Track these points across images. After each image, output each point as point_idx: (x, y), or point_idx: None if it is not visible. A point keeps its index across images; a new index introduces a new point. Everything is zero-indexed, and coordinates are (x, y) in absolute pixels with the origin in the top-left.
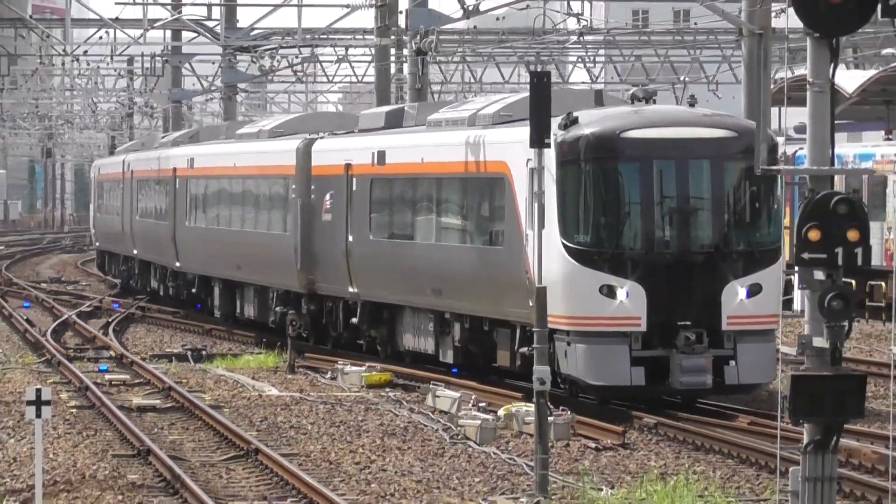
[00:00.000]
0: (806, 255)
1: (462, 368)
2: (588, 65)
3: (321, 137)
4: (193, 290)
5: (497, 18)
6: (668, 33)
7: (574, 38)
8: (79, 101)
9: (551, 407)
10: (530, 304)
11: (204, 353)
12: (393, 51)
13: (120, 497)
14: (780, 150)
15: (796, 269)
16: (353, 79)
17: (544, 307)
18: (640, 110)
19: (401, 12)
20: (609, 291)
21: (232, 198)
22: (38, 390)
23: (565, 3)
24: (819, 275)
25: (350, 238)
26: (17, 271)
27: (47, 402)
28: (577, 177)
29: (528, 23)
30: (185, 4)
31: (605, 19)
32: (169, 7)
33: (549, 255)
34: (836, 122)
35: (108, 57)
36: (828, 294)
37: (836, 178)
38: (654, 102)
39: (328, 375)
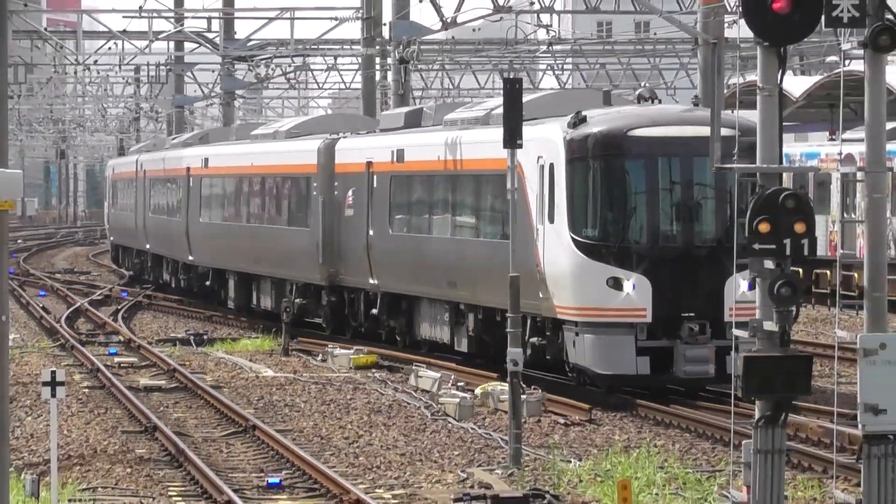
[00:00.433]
0: (757, 246)
1: (476, 357)
2: (556, 72)
3: (344, 137)
4: (207, 283)
5: (473, 30)
6: (629, 43)
7: (544, 47)
8: (90, 107)
9: (524, 386)
10: (541, 296)
11: (205, 337)
12: (378, 60)
13: (129, 470)
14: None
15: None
16: (342, 85)
17: (517, 295)
18: (646, 110)
19: (385, 24)
20: (616, 284)
21: (250, 195)
22: (53, 372)
23: (535, 15)
24: (769, 264)
25: (371, 232)
26: (33, 263)
27: (61, 383)
28: (585, 173)
29: (502, 34)
30: (186, 17)
31: (572, 30)
32: (172, 20)
33: (558, 249)
34: (783, 123)
35: (116, 66)
36: (777, 282)
37: (785, 175)
38: (660, 102)
39: (319, 358)
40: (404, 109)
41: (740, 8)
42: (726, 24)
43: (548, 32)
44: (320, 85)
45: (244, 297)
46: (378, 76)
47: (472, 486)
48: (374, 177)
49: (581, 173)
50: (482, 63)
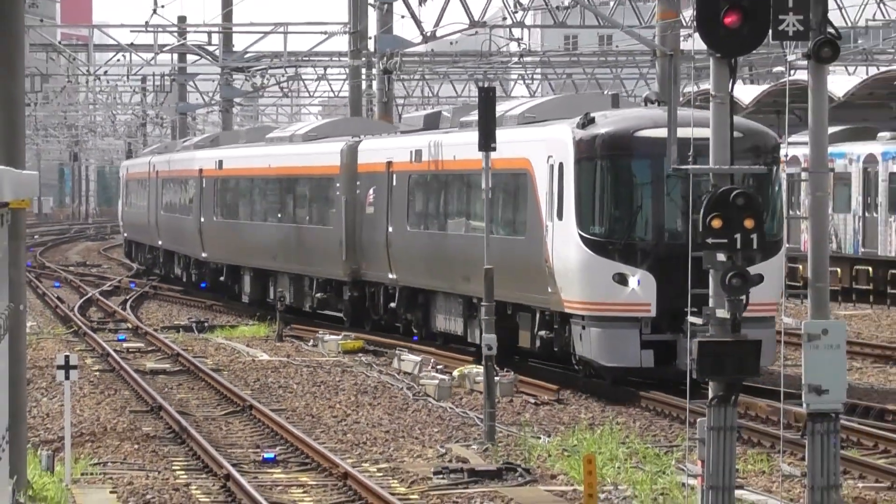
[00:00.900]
0: (710, 241)
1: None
2: (527, 81)
3: (366, 139)
4: (221, 279)
5: (451, 43)
6: (594, 55)
7: (515, 59)
8: (100, 113)
9: (497, 369)
10: (549, 290)
11: (206, 324)
12: (364, 70)
13: (136, 446)
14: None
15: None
16: (331, 94)
17: (491, 285)
18: (652, 112)
19: (370, 38)
20: (621, 279)
21: (267, 195)
22: (67, 356)
23: (508, 30)
24: (721, 257)
25: (390, 229)
26: (48, 256)
27: (75, 367)
28: (593, 172)
29: (477, 46)
30: (189, 32)
31: (542, 43)
32: (175, 34)
33: (566, 245)
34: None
35: (124, 76)
36: (728, 273)
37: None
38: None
39: (311, 343)
40: (423, 112)
41: (695, 22)
42: (682, 38)
43: (519, 45)
44: (311, 93)
45: (259, 291)
46: (364, 85)
47: (450, 461)
48: (394, 176)
49: (589, 172)
50: (459, 73)
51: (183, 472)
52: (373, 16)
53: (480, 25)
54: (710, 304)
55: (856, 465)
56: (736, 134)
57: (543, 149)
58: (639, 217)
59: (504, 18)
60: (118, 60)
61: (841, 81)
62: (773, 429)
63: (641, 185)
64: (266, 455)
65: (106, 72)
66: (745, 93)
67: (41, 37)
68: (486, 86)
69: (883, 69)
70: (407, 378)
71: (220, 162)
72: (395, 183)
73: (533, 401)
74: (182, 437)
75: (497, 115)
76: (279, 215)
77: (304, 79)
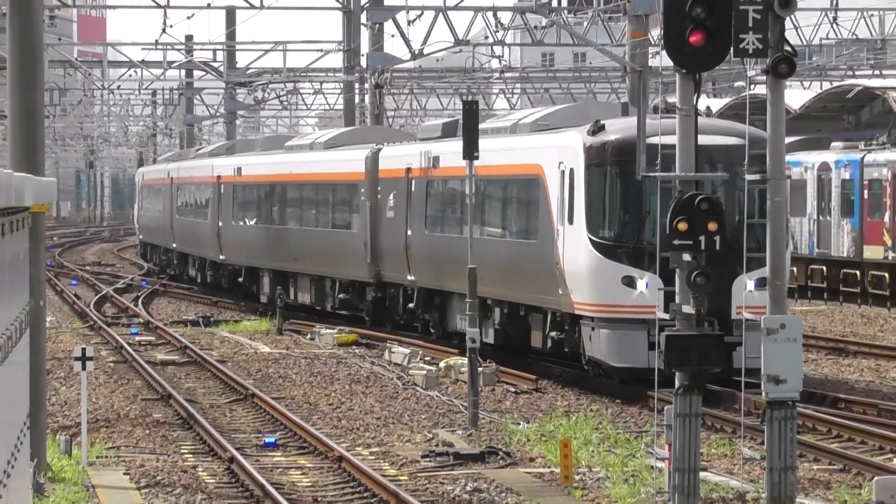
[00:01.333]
0: (676, 242)
1: (501, 349)
2: (508, 95)
3: (387, 146)
4: (240, 280)
5: (437, 60)
6: (569, 71)
7: (496, 74)
8: (114, 125)
9: (480, 360)
10: (560, 292)
11: (212, 319)
12: (357, 85)
13: (147, 431)
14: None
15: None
16: (326, 107)
17: (474, 283)
18: (661, 119)
19: (363, 55)
20: (630, 282)
21: (288, 200)
22: (83, 349)
23: (490, 48)
24: (687, 257)
25: (409, 232)
26: (66, 257)
27: (90, 358)
28: (603, 178)
29: (461, 63)
30: (196, 49)
31: (521, 60)
32: (183, 51)
33: (576, 249)
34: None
35: (136, 90)
36: (693, 272)
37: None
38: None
39: (308, 336)
40: (442, 121)
41: (662, 41)
42: (650, 55)
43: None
44: (308, 106)
45: (277, 292)
46: (357, 99)
47: (436, 445)
48: (413, 182)
49: (599, 178)
50: (445, 88)
51: (190, 455)
52: (365, 35)
53: (464, 44)
54: (677, 301)
55: (811, 449)
56: (741, 141)
57: (555, 155)
58: (647, 221)
59: (486, 37)
60: (130, 76)
61: (797, 95)
62: (734, 416)
63: (649, 191)
64: (267, 440)
65: (119, 86)
66: (709, 106)
67: (59, 54)
68: (469, 99)
69: (836, 84)
70: (397, 369)
71: (239, 169)
72: (413, 188)
73: (513, 390)
74: (189, 423)
75: (511, 122)
76: (301, 219)
77: (301, 93)
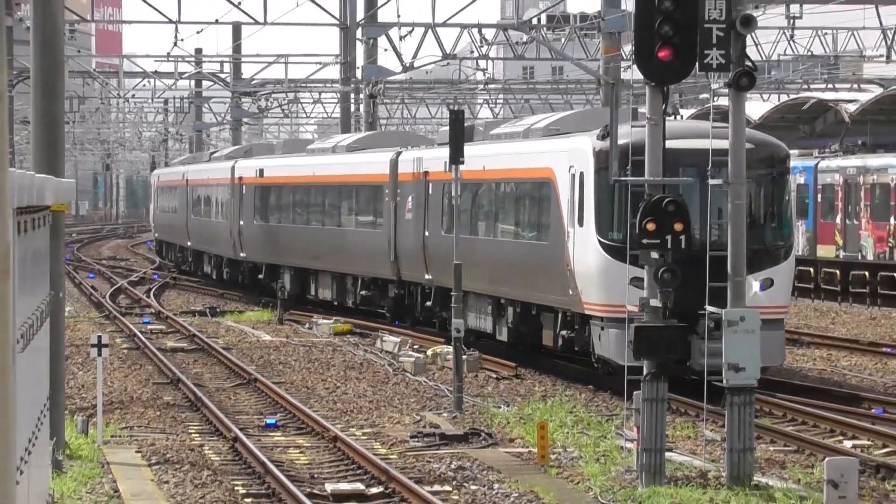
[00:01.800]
0: (645, 241)
1: (514, 346)
2: (491, 105)
3: (406, 150)
4: (260, 276)
5: (426, 72)
6: (547, 83)
7: (481, 86)
8: (128, 131)
9: (464, 349)
10: (570, 293)
11: (218, 310)
12: (352, 95)
13: (158, 413)
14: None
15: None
16: (325, 115)
17: (459, 278)
18: (669, 124)
19: (358, 68)
20: (638, 283)
21: (311, 200)
22: (100, 336)
23: (475, 61)
24: (654, 255)
25: (427, 233)
26: (84, 252)
27: (106, 345)
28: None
29: (448, 75)
30: (204, 61)
31: (503, 73)
32: (193, 63)
33: (586, 250)
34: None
35: (149, 99)
36: (660, 269)
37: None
38: (682, 118)
39: (306, 326)
40: None
41: (634, 56)
42: (622, 69)
43: (484, 74)
44: (308, 115)
45: (298, 288)
46: (353, 108)
47: (424, 426)
48: (430, 184)
49: (607, 181)
50: (433, 98)
51: (197, 435)
52: (360, 49)
53: (451, 57)
54: (645, 294)
55: (767, 432)
56: (749, 145)
57: (566, 159)
58: None
59: (472, 52)
60: (144, 85)
61: (757, 107)
62: (697, 401)
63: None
64: (268, 420)
65: (133, 95)
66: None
67: (79, 65)
68: (455, 109)
69: (792, 96)
70: (388, 356)
71: (261, 170)
72: (430, 191)
73: (495, 376)
74: (197, 406)
75: (524, 128)
76: (324, 219)
77: (301, 102)
